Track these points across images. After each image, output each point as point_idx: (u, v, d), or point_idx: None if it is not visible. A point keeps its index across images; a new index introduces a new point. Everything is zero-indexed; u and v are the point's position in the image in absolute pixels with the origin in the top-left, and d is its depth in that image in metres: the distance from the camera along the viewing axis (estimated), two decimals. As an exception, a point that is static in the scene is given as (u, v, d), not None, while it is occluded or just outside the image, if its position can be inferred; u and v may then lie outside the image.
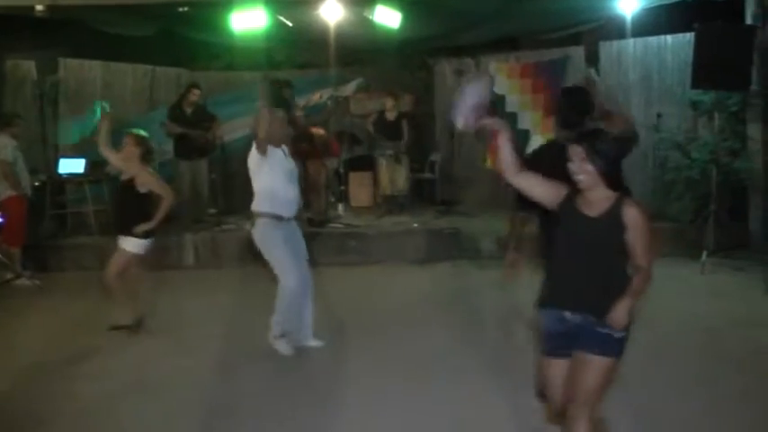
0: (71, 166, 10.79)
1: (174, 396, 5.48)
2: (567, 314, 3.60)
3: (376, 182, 11.75)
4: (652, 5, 10.29)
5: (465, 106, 3.83)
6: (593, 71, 11.37)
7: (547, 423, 4.19)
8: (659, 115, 10.55)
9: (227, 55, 13.26)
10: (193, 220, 10.74)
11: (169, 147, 10.97)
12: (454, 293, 7.90)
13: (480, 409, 5.02)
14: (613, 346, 3.53)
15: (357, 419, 4.95)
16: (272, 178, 6.20)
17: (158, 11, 10.22)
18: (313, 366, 6.07)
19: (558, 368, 3.72)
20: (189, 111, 10.74)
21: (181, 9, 10.06)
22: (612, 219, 3.49)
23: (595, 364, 3.52)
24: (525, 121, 11.56)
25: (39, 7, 9.27)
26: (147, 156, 6.75)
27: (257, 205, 6.29)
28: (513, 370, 5.52)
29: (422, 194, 12.36)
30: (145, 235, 6.70)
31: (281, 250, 6.18)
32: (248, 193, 6.34)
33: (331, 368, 5.99)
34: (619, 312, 3.45)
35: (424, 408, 5.07)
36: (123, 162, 6.75)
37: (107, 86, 11.93)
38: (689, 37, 9.40)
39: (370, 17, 9.94)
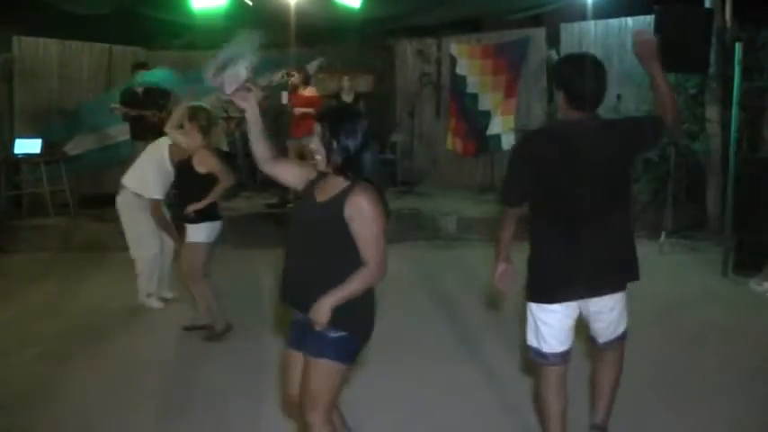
0: (27, 146, 10.61)
1: (137, 381, 5.41)
2: (294, 309, 3.40)
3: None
4: (612, -13, 10.36)
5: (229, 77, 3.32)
6: (553, 53, 11.43)
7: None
8: (619, 96, 10.62)
9: (187, 34, 13.08)
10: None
11: (122, 128, 10.86)
12: (411, 274, 7.91)
13: (428, 385, 5.05)
14: (327, 348, 3.25)
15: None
16: (145, 162, 6.91)
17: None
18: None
19: (291, 359, 3.49)
20: (140, 91, 10.53)
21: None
22: (336, 207, 3.19)
23: (312, 367, 3.28)
24: (486, 103, 11.61)
25: (-8, -16, 9.09)
26: (205, 130, 5.98)
27: (126, 179, 6.96)
28: (462, 349, 5.55)
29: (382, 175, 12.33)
30: (201, 218, 5.99)
31: (140, 222, 6.95)
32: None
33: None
34: (318, 308, 3.17)
35: (382, 384, 5.07)
36: (186, 139, 6.11)
37: (63, 65, 11.74)
38: (649, 19, 9.44)
39: (332, -3, 9.87)
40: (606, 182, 3.62)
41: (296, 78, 10.70)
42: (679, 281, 7.75)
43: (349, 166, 3.22)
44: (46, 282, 7.82)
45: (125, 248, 7.11)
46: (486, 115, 11.62)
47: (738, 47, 7.81)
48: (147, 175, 6.79)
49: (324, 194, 3.26)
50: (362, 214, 3.15)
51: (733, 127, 7.93)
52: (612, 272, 3.71)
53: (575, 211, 3.61)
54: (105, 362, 5.78)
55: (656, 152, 9.64)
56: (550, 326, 3.71)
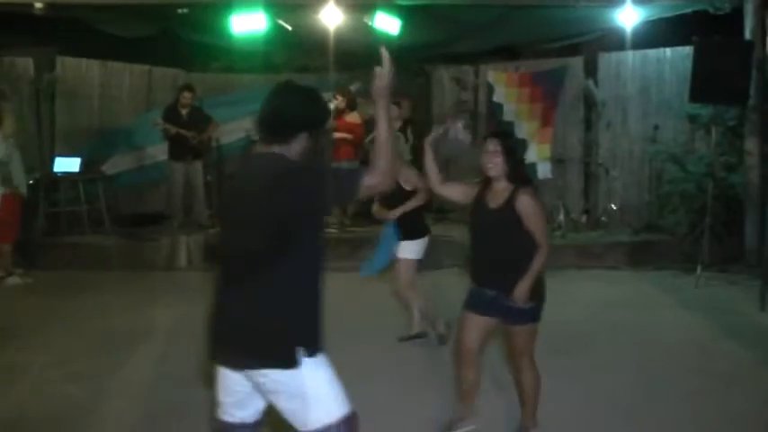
0: (66, 164, 10.76)
1: (160, 399, 5.43)
2: (485, 290, 4.33)
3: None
4: (652, 18, 10.31)
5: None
6: (591, 82, 11.39)
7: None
8: (656, 127, 10.59)
9: (226, 57, 13.22)
10: (193, 223, 10.69)
11: (160, 148, 11.01)
12: (443, 301, 7.87)
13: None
14: (525, 316, 4.25)
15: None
16: None
17: (158, 12, 10.23)
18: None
19: (472, 320, 4.39)
20: (184, 112, 10.72)
21: (180, 11, 10.06)
22: (509, 209, 4.20)
23: (517, 331, 4.33)
24: (522, 131, 11.56)
25: (38, 5, 9.27)
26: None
27: None
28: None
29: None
30: (414, 236, 6.46)
31: None
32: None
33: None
34: (520, 290, 4.14)
35: (397, 412, 5.03)
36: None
37: (104, 85, 11.92)
38: (688, 50, 9.41)
39: (370, 23, 9.93)
40: (251, 234, 2.93)
41: (341, 102, 10.75)
42: (715, 315, 7.59)
43: (515, 173, 4.29)
44: (79, 299, 7.89)
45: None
46: (523, 143, 11.57)
47: (779, 79, 7.74)
48: None
49: (495, 201, 4.29)
50: (530, 211, 4.18)
51: (773, 159, 7.84)
52: (243, 344, 3.03)
53: (224, 263, 3.14)
54: (132, 381, 5.81)
55: (692, 184, 9.57)
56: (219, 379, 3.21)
